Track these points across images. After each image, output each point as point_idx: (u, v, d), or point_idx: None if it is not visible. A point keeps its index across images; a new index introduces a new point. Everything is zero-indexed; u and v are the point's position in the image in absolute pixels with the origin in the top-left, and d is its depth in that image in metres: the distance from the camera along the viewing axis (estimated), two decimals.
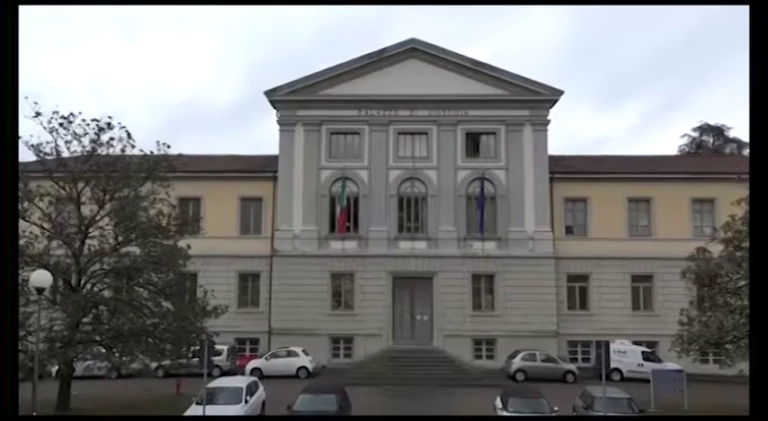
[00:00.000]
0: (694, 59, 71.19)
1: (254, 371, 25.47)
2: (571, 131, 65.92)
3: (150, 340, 19.08)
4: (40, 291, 14.97)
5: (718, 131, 46.51)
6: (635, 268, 29.53)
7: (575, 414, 17.75)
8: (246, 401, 16.97)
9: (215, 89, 72.50)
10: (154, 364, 23.64)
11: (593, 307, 29.42)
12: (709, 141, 46.66)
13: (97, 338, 19.10)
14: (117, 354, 19.12)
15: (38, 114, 19.27)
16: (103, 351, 19.32)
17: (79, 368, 21.26)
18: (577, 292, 29.69)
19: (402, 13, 72.45)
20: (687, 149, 46.36)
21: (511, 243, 29.35)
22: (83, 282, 19.65)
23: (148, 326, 19.03)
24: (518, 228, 29.41)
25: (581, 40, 71.52)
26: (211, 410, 15.85)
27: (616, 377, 25.42)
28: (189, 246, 20.57)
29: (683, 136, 47.15)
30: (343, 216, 29.35)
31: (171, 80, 71.96)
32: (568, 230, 30.38)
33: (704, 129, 46.80)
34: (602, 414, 15.94)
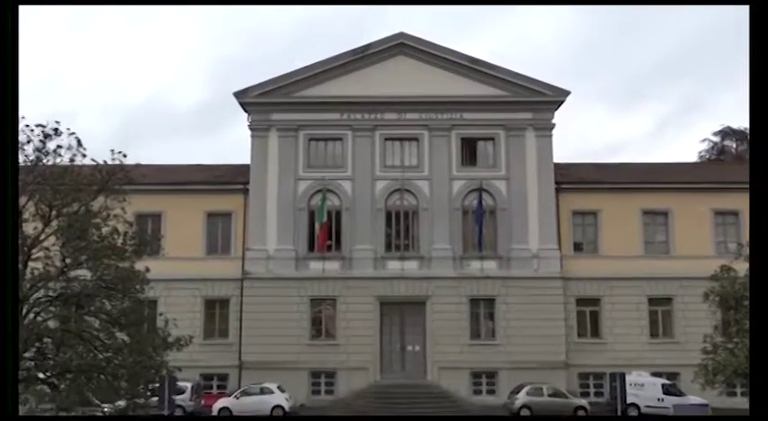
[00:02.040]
0: (715, 58, 72.19)
1: (223, 411, 25.16)
2: (579, 137, 66.55)
3: (102, 377, 18.74)
4: None
5: (741, 135, 46.95)
6: (652, 290, 29.66)
7: None
8: None
9: (178, 90, 72.49)
10: (107, 406, 23.27)
11: (606, 334, 29.48)
12: (732, 146, 47.15)
13: (41, 376, 18.77)
14: (64, 394, 18.78)
15: None
16: (48, 390, 18.99)
17: (21, 410, 20.86)
18: (588, 318, 29.76)
19: (390, 8, 73.02)
20: (708, 156, 46.82)
21: (513, 262, 29.39)
22: (24, 310, 19.33)
23: (100, 361, 18.70)
24: (521, 246, 29.48)
25: (590, 38, 72.36)
26: None
27: (633, 413, 25.41)
28: (147, 269, 20.29)
29: (704, 141, 47.69)
30: (324, 233, 29.27)
31: (128, 79, 71.73)
32: (577, 247, 30.50)
33: (726, 133, 47.29)
34: None
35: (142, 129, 68.35)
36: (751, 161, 13.16)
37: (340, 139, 30.55)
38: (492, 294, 29.17)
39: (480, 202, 29.29)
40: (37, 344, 18.88)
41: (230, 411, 25.10)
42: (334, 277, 29.29)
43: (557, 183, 30.12)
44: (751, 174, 11.99)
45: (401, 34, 30.73)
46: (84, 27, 74.62)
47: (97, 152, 19.41)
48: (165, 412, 16.95)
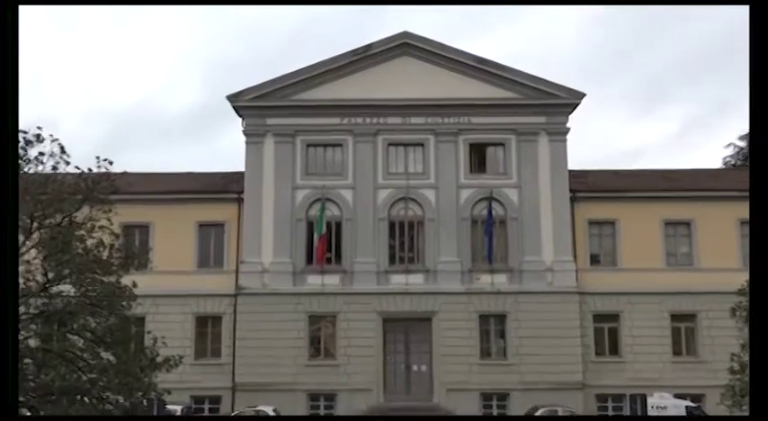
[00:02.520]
0: (740, 59, 72.07)
1: None
2: (595, 142, 66.58)
3: (86, 400, 18.69)
4: None
5: None
6: (675, 305, 29.54)
7: None
8: None
9: (169, 93, 72.73)
10: None
11: (626, 352, 29.34)
12: None
13: (20, 399, 18.70)
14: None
15: None
16: (28, 414, 18.92)
17: None
18: (606, 335, 29.64)
19: (393, 7, 73.21)
20: (733, 161, 46.75)
21: (525, 276, 29.31)
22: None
23: (84, 382, 18.64)
24: (534, 258, 29.41)
25: (606, 38, 72.50)
26: None
27: None
28: (135, 284, 20.25)
29: (729, 146, 47.61)
30: (323, 245, 29.22)
31: (115, 82, 72.01)
32: (594, 260, 30.43)
33: None
34: None
35: (130, 134, 68.70)
36: (751, 162, 13.57)
37: (340, 145, 30.56)
38: (503, 310, 29.08)
39: (490, 212, 29.24)
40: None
41: None
42: (334, 292, 29.21)
43: (571, 191, 30.09)
44: (751, 175, 12.38)
45: (405, 33, 30.80)
46: (69, 27, 75.07)
47: (82, 159, 19.42)
48: None
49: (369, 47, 30.69)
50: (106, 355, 19.59)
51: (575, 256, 29.67)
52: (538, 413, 26.03)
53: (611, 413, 28.69)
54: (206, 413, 28.86)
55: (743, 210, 29.85)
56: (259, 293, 29.10)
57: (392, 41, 30.73)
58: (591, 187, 30.85)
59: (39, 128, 19.74)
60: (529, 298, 28.96)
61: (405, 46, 30.74)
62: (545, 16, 72.37)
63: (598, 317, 29.57)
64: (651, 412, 23.84)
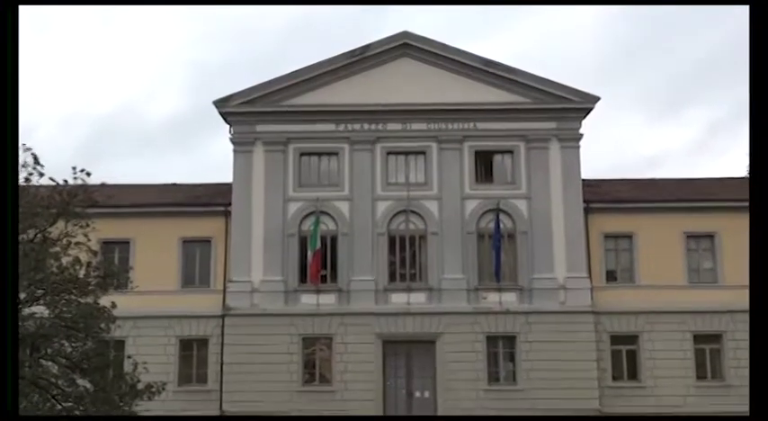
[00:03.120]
0: None
1: None
2: (611, 149, 66.65)
3: None
4: None
5: None
6: (698, 325, 29.51)
7: None
8: None
9: (151, 98, 73.01)
10: None
11: (646, 377, 29.28)
12: None
13: None
14: None
15: None
16: None
17: None
18: (625, 358, 29.60)
19: (393, 7, 73.54)
20: None
21: (536, 294, 29.31)
22: None
23: (59, 412, 18.62)
24: (545, 275, 29.42)
25: (623, 38, 72.75)
26: None
27: None
28: (114, 305, 20.24)
29: None
30: (317, 261, 29.22)
31: (94, 86, 72.26)
32: (610, 276, 30.45)
33: None
34: None
35: (109, 142, 68.87)
36: (751, 163, 14.68)
37: (336, 154, 30.62)
38: (512, 331, 29.06)
39: (497, 225, 29.26)
40: None
41: None
42: (330, 313, 29.19)
43: (585, 202, 30.13)
44: (751, 177, 13.39)
45: (405, 33, 30.93)
46: (44, 28, 75.38)
47: (57, 170, 19.48)
48: None
49: (366, 48, 30.82)
50: (83, 382, 19.55)
51: (589, 273, 29.68)
52: None
53: None
54: None
55: None
56: (248, 314, 29.06)
57: (391, 42, 30.85)
58: (606, 198, 30.90)
59: None
60: (540, 318, 28.92)
61: (405, 47, 30.86)
62: (555, 15, 72.78)
63: (615, 339, 29.52)
64: None
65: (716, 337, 29.58)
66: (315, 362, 29.29)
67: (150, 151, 68.69)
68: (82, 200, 20.23)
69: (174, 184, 33.48)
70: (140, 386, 19.90)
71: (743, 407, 24.10)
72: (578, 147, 30.54)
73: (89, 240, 20.47)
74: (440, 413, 28.50)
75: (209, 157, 68.39)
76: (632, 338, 29.63)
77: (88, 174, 20.43)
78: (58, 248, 20.15)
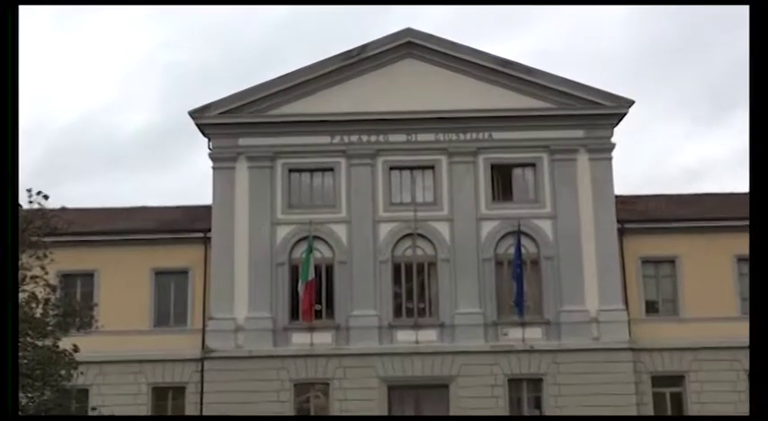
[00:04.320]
0: None
1: None
2: (648, 160, 66.72)
3: None
4: None
5: None
6: None
7: None
8: None
9: (120, 108, 73.10)
10: None
11: None
12: None
13: None
14: None
15: None
16: None
17: None
18: (669, 401, 29.50)
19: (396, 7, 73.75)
20: None
21: (565, 329, 29.27)
22: None
23: None
24: (575, 307, 29.38)
25: (660, 35, 72.78)
26: None
27: None
28: (76, 348, 20.23)
29: None
30: (310, 295, 29.16)
31: (54, 95, 72.57)
32: (650, 308, 30.42)
33: None
34: None
35: (70, 161, 68.88)
36: (751, 163, 15.56)
37: (331, 170, 30.72)
38: (538, 372, 28.99)
39: (519, 249, 29.23)
40: None
41: None
42: (326, 354, 29.12)
43: (619, 221, 30.14)
44: (751, 177, 14.05)
45: (409, 31, 31.11)
46: None
47: None
48: None
49: (365, 48, 30.95)
50: None
51: (626, 304, 29.63)
52: None
53: None
54: None
55: None
56: (231, 357, 29.01)
57: (393, 41, 31.02)
58: (644, 216, 30.91)
59: None
60: (570, 357, 28.86)
61: (409, 46, 31.02)
62: (581, 10, 73.07)
63: (657, 380, 29.47)
64: None
65: None
66: (309, 410, 29.18)
67: (118, 169, 68.88)
68: (39, 227, 20.30)
69: (146, 207, 33.51)
70: None
71: None
72: (610, 158, 30.60)
73: (47, 273, 20.50)
74: None
75: (187, 176, 68.64)
76: (677, 379, 29.55)
77: (46, 198, 20.54)
78: None
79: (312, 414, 29.14)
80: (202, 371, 29.21)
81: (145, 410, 29.25)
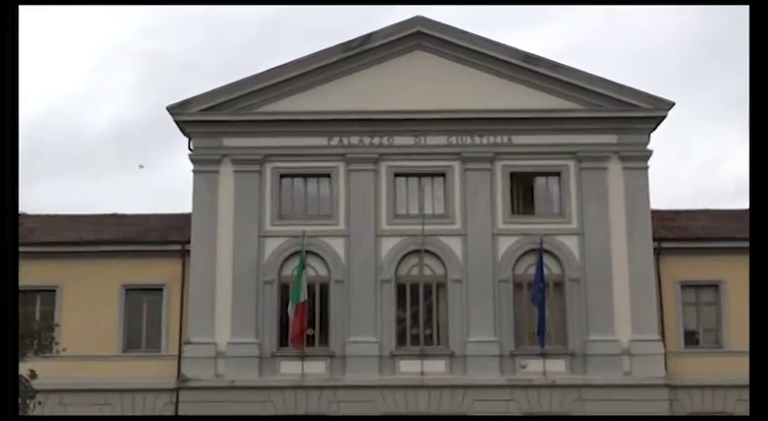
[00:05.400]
0: None
1: None
2: (689, 170, 66.55)
3: None
4: None
5: None
6: None
7: None
8: None
9: (90, 102, 73.30)
10: None
11: None
12: None
13: None
14: None
15: None
16: None
17: None
18: None
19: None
20: None
21: (592, 362, 29.19)
22: None
23: None
24: (604, 337, 29.30)
25: (703, 30, 72.75)
26: None
27: None
28: (34, 375, 20.17)
29: None
30: (302, 318, 29.05)
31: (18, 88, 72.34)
32: (690, 339, 30.45)
33: None
34: None
35: (32, 161, 68.85)
36: (750, 163, 16.74)
37: (327, 176, 30.74)
38: (561, 410, 28.92)
39: (541, 270, 29.15)
40: None
41: None
42: (319, 385, 29.06)
43: (656, 239, 30.11)
44: (750, 178, 15.64)
45: (418, 19, 31.10)
46: None
47: None
48: None
49: (368, 38, 30.97)
50: None
51: (662, 334, 29.59)
52: None
53: None
54: None
55: None
56: (211, 387, 28.95)
57: (401, 30, 31.02)
58: (684, 234, 30.93)
59: None
60: (597, 393, 28.77)
61: (419, 36, 31.04)
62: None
63: None
64: None
65: None
66: None
67: (86, 171, 69.01)
68: None
69: (116, 215, 33.57)
70: None
71: None
72: (646, 167, 30.58)
73: None
74: None
75: (164, 180, 68.53)
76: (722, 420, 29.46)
77: None
78: None
79: None
80: (177, 402, 29.15)
81: None
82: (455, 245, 30.15)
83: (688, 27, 73.06)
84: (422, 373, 29.25)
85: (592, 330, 29.40)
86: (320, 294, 29.98)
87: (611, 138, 30.63)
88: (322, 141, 30.69)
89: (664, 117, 30.57)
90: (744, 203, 56.41)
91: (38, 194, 63.86)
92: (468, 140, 30.63)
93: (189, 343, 29.54)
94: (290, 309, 29.01)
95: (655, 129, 30.77)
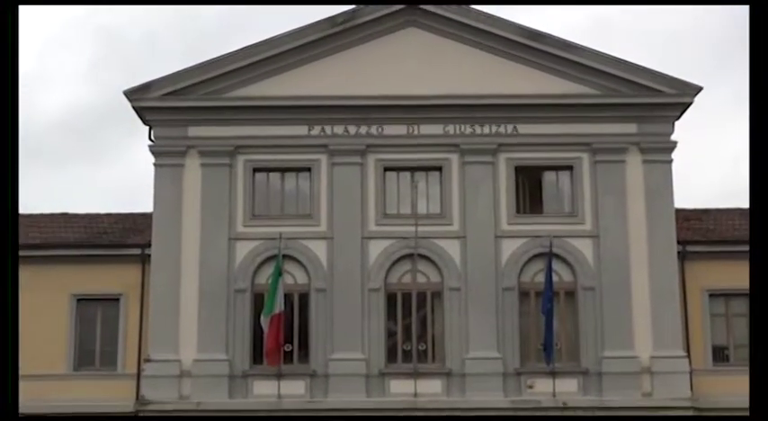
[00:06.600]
0: None
1: None
2: (717, 165, 66.59)
3: None
4: None
5: None
6: None
7: None
8: None
9: (37, 86, 73.10)
10: None
11: None
12: None
13: None
14: None
15: None
16: None
17: None
18: None
19: None
20: None
21: (608, 380, 29.32)
22: None
23: None
24: (621, 353, 29.46)
25: (732, 11, 73.13)
26: None
27: None
28: None
29: None
30: (278, 331, 29.10)
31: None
32: (719, 355, 30.65)
33: None
34: None
35: None
36: (750, 163, 17.86)
37: (308, 170, 30.86)
38: None
39: (550, 277, 29.25)
40: None
41: None
42: (298, 409, 29.12)
43: (680, 242, 30.31)
44: (750, 177, 16.98)
45: None
46: None
47: None
48: None
49: (354, 13, 31.00)
50: None
51: (687, 350, 29.77)
52: None
53: None
54: None
55: None
56: (175, 411, 28.94)
57: (391, 5, 31.05)
58: (711, 237, 31.14)
59: None
60: (615, 417, 28.80)
61: (412, 11, 31.06)
62: None
63: None
64: None
65: None
66: None
67: (32, 164, 68.61)
68: None
69: (67, 215, 33.57)
70: None
71: None
72: (670, 161, 30.73)
73: None
74: None
75: (122, 174, 68.48)
76: None
77: None
78: None
79: None
80: None
81: None
82: (453, 248, 30.29)
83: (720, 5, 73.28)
84: (415, 395, 29.24)
85: (608, 345, 29.54)
86: (299, 304, 30.12)
87: (630, 128, 30.79)
88: (301, 131, 30.76)
89: (690, 104, 30.65)
90: None
91: None
92: (468, 130, 30.73)
93: (149, 360, 29.56)
94: (265, 322, 29.07)
95: (679, 117, 30.91)
